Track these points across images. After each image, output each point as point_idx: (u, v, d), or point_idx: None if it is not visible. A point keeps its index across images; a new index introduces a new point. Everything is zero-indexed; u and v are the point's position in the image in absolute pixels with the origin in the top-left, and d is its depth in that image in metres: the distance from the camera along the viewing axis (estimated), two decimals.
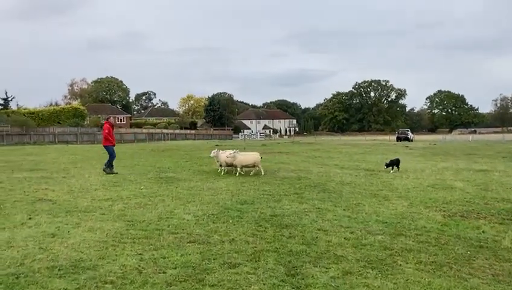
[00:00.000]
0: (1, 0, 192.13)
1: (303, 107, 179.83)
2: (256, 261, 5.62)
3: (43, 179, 14.11)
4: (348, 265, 5.49)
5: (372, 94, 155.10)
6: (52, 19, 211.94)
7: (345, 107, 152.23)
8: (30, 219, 8.04)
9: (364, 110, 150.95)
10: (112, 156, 16.27)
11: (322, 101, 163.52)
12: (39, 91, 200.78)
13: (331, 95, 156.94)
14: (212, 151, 16.00)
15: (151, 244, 6.32)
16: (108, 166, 16.08)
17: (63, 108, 74.23)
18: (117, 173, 15.80)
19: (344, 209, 9.02)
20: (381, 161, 21.99)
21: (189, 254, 5.84)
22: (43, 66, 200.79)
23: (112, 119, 17.52)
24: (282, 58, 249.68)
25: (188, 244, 6.35)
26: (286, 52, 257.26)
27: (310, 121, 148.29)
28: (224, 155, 15.44)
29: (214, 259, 5.66)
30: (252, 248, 6.15)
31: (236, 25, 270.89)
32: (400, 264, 5.54)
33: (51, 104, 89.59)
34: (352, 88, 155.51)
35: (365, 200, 10.18)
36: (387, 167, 16.46)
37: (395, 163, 16.62)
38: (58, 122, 66.34)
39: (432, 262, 5.63)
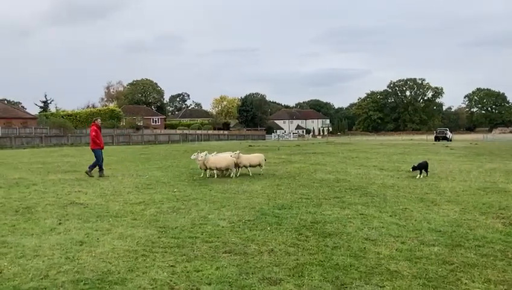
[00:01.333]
0: (42, 6, 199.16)
1: (336, 107, 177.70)
2: (299, 276, 5.04)
3: (76, 181, 13.98)
4: (405, 283, 4.83)
5: (407, 93, 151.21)
6: (90, 23, 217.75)
7: (379, 106, 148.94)
8: (60, 224, 7.73)
9: (400, 110, 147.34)
10: (98, 159, 15.57)
11: (355, 101, 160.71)
12: (77, 94, 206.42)
13: (365, 95, 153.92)
14: (193, 154, 15.24)
15: (184, 255, 5.84)
16: (91, 168, 15.42)
17: (100, 110, 75.85)
18: (108, 176, 15.18)
19: (391, 216, 8.32)
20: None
21: (225, 267, 5.32)
22: (81, 69, 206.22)
23: (98, 121, 16.47)
24: (315, 58, 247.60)
25: (224, 255, 5.83)
26: (319, 52, 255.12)
27: (344, 121, 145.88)
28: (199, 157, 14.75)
29: (252, 273, 5.12)
30: (293, 261, 5.57)
31: (269, 26, 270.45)
32: (465, 283, 4.84)
33: (88, 106, 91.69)
34: (387, 87, 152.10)
35: (412, 205, 9.43)
36: (413, 170, 14.75)
37: (423, 167, 14.86)
38: None
39: (503, 281, 4.90)
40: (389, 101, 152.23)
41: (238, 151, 15.23)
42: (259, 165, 15.50)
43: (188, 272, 5.17)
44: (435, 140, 60.77)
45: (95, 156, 15.67)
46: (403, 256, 5.79)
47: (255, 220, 7.85)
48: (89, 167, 15.67)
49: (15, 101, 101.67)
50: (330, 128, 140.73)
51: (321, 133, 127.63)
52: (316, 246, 6.26)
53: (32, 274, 5.05)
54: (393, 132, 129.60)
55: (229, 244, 6.33)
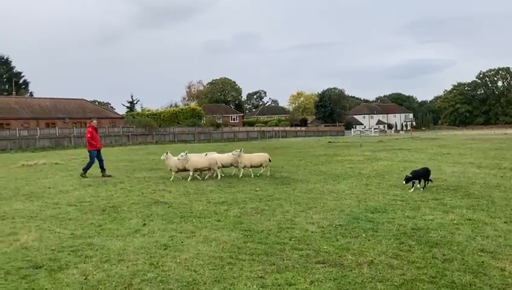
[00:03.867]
0: (128, 11, 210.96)
1: (420, 100, 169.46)
2: None
3: (161, 179, 14.09)
4: None
5: (499, 83, 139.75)
6: (171, 26, 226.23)
7: (467, 98, 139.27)
8: (144, 224, 7.59)
9: (491, 102, 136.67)
10: (92, 161, 15.39)
11: (441, 93, 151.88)
12: (161, 93, 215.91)
13: (452, 86, 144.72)
14: (163, 155, 14.27)
15: (273, 264, 5.32)
16: (85, 170, 15.25)
17: (182, 109, 78.39)
18: (110, 175, 15.07)
19: (506, 222, 7.21)
20: None
21: (321, 281, 4.72)
22: (165, 70, 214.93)
23: (94, 122, 16.18)
24: (397, 50, 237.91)
25: (317, 265, 5.23)
26: (401, 43, 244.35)
27: (429, 115, 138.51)
28: (174, 159, 13.77)
29: None
30: (399, 276, 4.83)
31: (347, 19, 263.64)
32: None
33: (171, 106, 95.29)
34: (476, 78, 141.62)
35: None
36: (407, 181, 10.64)
37: (420, 175, 10.92)
38: (178, 123, 70.09)
39: None
40: (479, 92, 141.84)
41: (239, 150, 14.38)
42: (262, 165, 14.46)
43: (279, 285, 4.64)
44: None
45: (90, 157, 15.56)
46: None
47: (346, 225, 7.16)
48: (83, 170, 15.47)
49: (104, 102, 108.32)
50: (414, 123, 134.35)
51: (404, 128, 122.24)
52: (422, 258, 5.45)
53: (116, 282, 4.80)
54: (483, 125, 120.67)
55: (322, 253, 5.71)
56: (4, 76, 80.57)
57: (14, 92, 68.15)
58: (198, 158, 13.99)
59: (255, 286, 4.63)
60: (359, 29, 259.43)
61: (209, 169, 14.04)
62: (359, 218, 7.67)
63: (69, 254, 5.91)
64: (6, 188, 12.60)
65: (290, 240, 6.39)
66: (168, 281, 4.81)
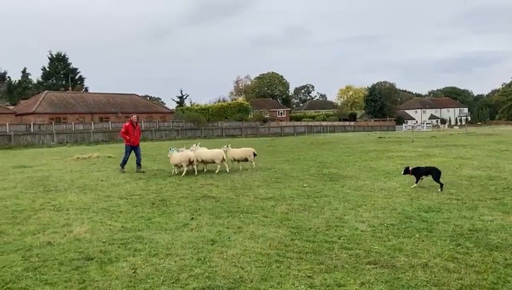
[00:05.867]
0: (177, 8, 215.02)
1: (475, 94, 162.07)
2: None
3: (208, 173, 14.21)
4: None
5: None
6: (220, 21, 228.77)
7: None
8: (192, 219, 7.64)
9: None
10: (125, 155, 15.32)
11: (499, 87, 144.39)
12: (209, 88, 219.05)
13: (511, 79, 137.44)
14: (169, 148, 14.53)
15: (322, 263, 5.18)
16: (122, 165, 15.24)
17: (229, 104, 79.15)
18: (143, 172, 14.79)
19: None
20: None
21: (372, 283, 4.52)
22: (214, 65, 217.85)
23: (134, 118, 15.95)
24: (451, 42, 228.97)
25: (368, 266, 5.04)
26: (456, 35, 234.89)
27: (485, 110, 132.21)
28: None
29: None
30: (456, 281, 4.55)
31: (399, 10, 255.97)
32: None
33: (219, 101, 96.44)
34: None
35: None
36: (404, 173, 10.91)
37: (422, 173, 10.62)
38: (225, 117, 70.80)
39: None
40: None
41: (227, 145, 14.90)
42: (247, 160, 14.83)
43: (328, 286, 4.50)
44: None
45: (124, 152, 15.54)
46: None
47: (399, 225, 6.88)
48: (120, 165, 15.42)
49: (155, 97, 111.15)
50: (469, 118, 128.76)
51: (458, 123, 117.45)
52: (481, 261, 5.12)
53: (164, 277, 4.82)
54: None
55: (373, 253, 5.50)
56: (61, 72, 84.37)
57: (70, 88, 71.20)
58: (175, 154, 14.00)
59: (302, 286, 4.51)
60: (410, 21, 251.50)
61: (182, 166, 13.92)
62: (412, 217, 7.36)
63: (119, 246, 6.02)
64: (62, 180, 13.13)
65: (339, 238, 6.21)
66: (215, 277, 4.78)
